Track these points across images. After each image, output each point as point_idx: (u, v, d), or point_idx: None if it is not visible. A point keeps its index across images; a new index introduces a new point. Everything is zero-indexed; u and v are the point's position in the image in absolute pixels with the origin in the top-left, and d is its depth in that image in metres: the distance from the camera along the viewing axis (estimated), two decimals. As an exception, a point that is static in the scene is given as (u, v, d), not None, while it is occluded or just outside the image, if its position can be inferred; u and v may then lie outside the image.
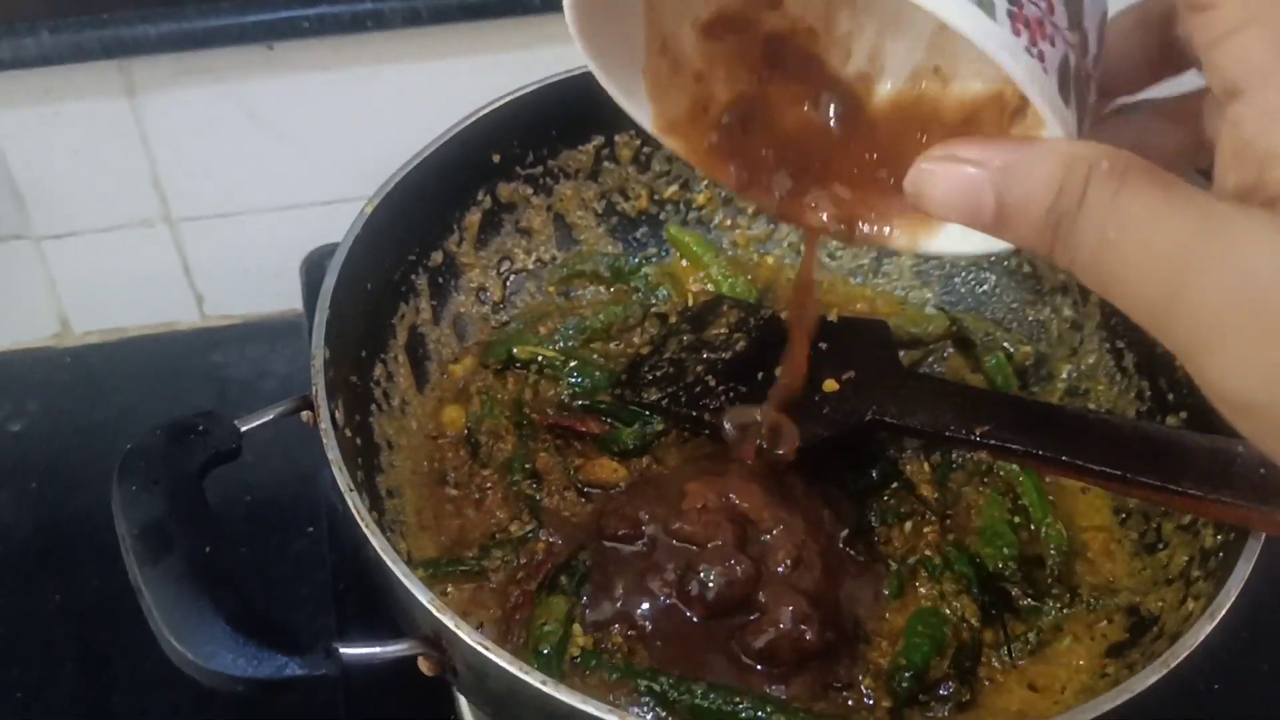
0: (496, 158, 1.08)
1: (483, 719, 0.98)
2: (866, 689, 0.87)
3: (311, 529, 1.25)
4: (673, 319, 1.12)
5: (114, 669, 1.17)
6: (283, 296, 1.43)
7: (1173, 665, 0.71)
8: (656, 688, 0.85)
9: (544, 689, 0.68)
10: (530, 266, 1.15)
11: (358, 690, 0.98)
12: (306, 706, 1.07)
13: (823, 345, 1.03)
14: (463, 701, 0.99)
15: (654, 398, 1.04)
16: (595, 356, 1.09)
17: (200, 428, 0.77)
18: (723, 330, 1.08)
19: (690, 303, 1.14)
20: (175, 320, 1.49)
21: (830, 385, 0.99)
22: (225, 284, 1.48)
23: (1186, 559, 0.90)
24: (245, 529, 1.26)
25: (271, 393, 1.42)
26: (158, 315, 1.48)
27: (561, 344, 1.09)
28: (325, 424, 0.80)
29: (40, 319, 1.46)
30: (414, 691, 0.98)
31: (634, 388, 1.05)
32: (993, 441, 0.89)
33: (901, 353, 1.08)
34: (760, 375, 1.02)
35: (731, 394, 1.01)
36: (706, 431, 1.00)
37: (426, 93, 1.32)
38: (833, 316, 1.08)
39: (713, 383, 1.03)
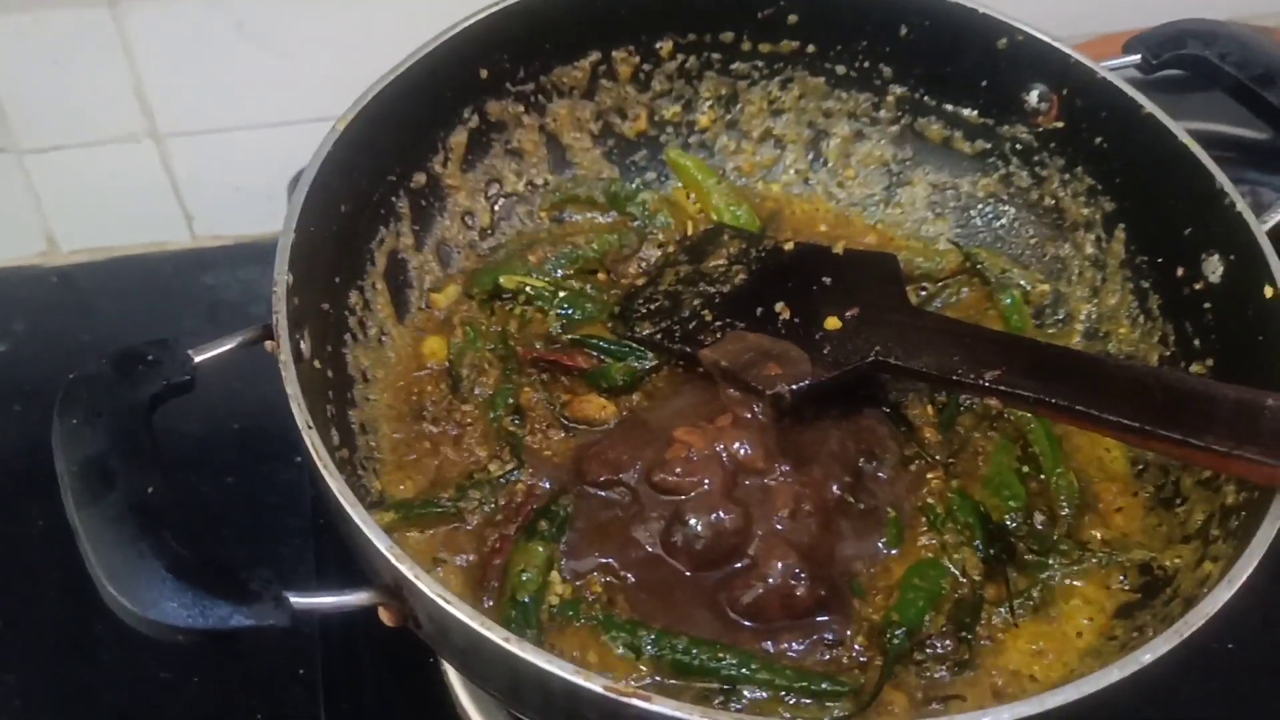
0: (484, 73, 1.02)
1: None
2: (858, 646, 0.82)
3: (299, 459, 1.21)
4: (670, 249, 1.06)
5: (96, 595, 1.14)
6: (274, 217, 1.35)
7: (1186, 635, 0.66)
8: (636, 641, 0.80)
9: (506, 646, 0.63)
10: (520, 190, 1.09)
11: (335, 645, 0.95)
12: (280, 655, 1.05)
13: (826, 280, 0.98)
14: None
15: (647, 332, 0.98)
16: (587, 288, 1.04)
17: (150, 357, 0.72)
18: (722, 262, 1.03)
19: (690, 232, 1.08)
20: (165, 240, 1.45)
21: (832, 323, 0.94)
22: (215, 203, 1.43)
23: (1205, 516, 0.84)
24: (232, 457, 1.23)
25: (263, 316, 1.37)
26: (147, 234, 1.43)
27: (552, 273, 1.04)
28: (285, 355, 0.75)
29: (26, 236, 1.42)
30: (395, 652, 0.96)
31: (627, 321, 1.00)
32: (1003, 387, 0.84)
33: (911, 289, 1.02)
34: (759, 310, 0.97)
35: (729, 329, 0.96)
36: (701, 369, 0.95)
37: (423, 3, 1.26)
38: (838, 249, 1.02)
39: (709, 317, 0.98)
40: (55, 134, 1.35)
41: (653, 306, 1.01)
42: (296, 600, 0.66)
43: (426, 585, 0.66)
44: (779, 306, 0.96)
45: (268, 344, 0.80)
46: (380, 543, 0.67)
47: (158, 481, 0.67)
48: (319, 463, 0.70)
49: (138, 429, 0.69)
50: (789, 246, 1.03)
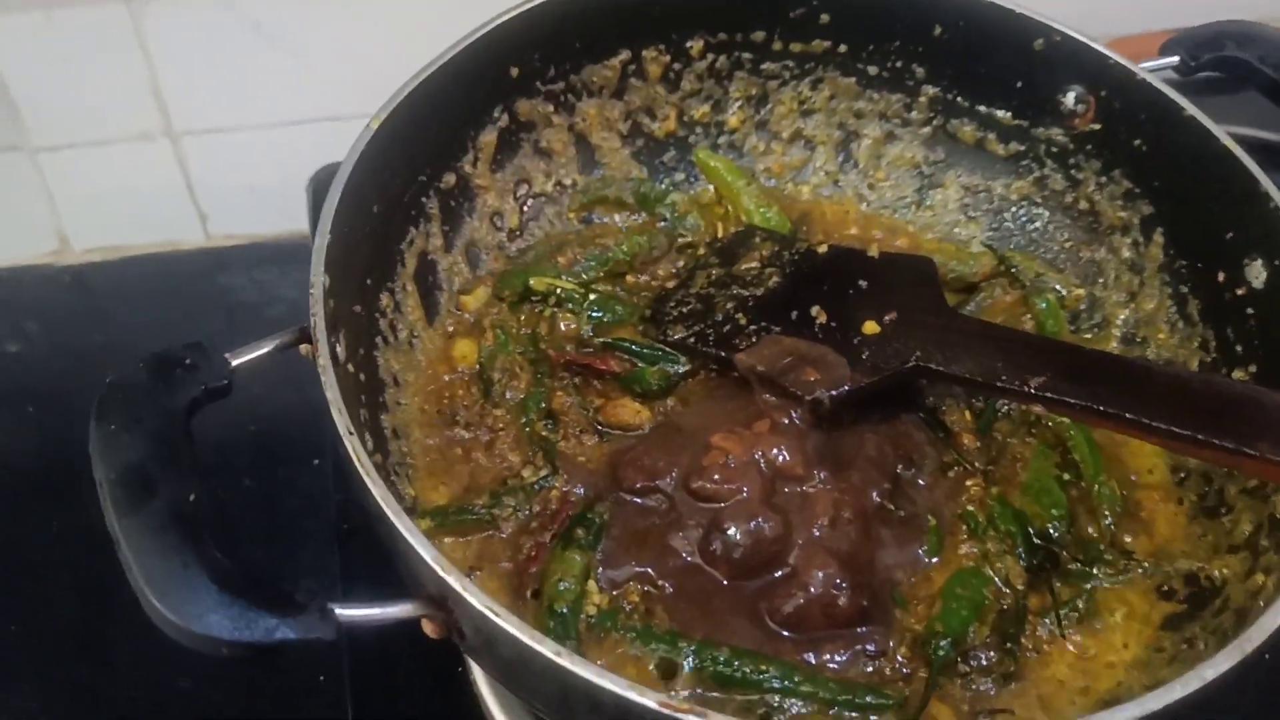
0: (515, 71, 1.00)
1: (497, 684, 0.93)
2: (901, 657, 0.81)
3: (317, 461, 1.20)
4: (701, 250, 1.05)
5: (111, 600, 1.11)
6: (291, 216, 1.36)
7: (1249, 651, 0.65)
8: (676, 652, 0.79)
9: (558, 660, 0.62)
10: (549, 190, 1.08)
11: (363, 652, 0.93)
12: (307, 664, 1.03)
13: (862, 283, 0.96)
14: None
15: (680, 335, 0.97)
16: (618, 290, 1.02)
17: (188, 361, 0.70)
18: (754, 264, 1.01)
19: (720, 233, 1.07)
20: (179, 239, 1.43)
21: (870, 327, 0.92)
22: (230, 202, 1.42)
23: (1253, 526, 0.83)
24: (248, 460, 1.21)
25: (280, 318, 1.34)
26: (161, 234, 1.42)
27: (582, 275, 1.02)
28: (324, 360, 0.73)
29: (38, 235, 1.40)
30: (422, 661, 0.94)
31: (659, 324, 0.99)
32: (1048, 394, 0.82)
33: (945, 294, 1.01)
34: (794, 314, 0.95)
35: (764, 333, 0.95)
36: (736, 373, 0.94)
37: (443, 4, 1.24)
38: (874, 252, 1.01)
39: (743, 321, 0.96)
40: (69, 132, 1.33)
41: (685, 310, 0.99)
42: (342, 612, 0.64)
43: (475, 597, 0.64)
44: (815, 310, 0.95)
45: (303, 347, 0.78)
46: (427, 554, 0.65)
47: (198, 490, 0.65)
48: (361, 470, 0.69)
49: (177, 435, 0.67)
50: (823, 249, 1.02)
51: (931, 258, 1.01)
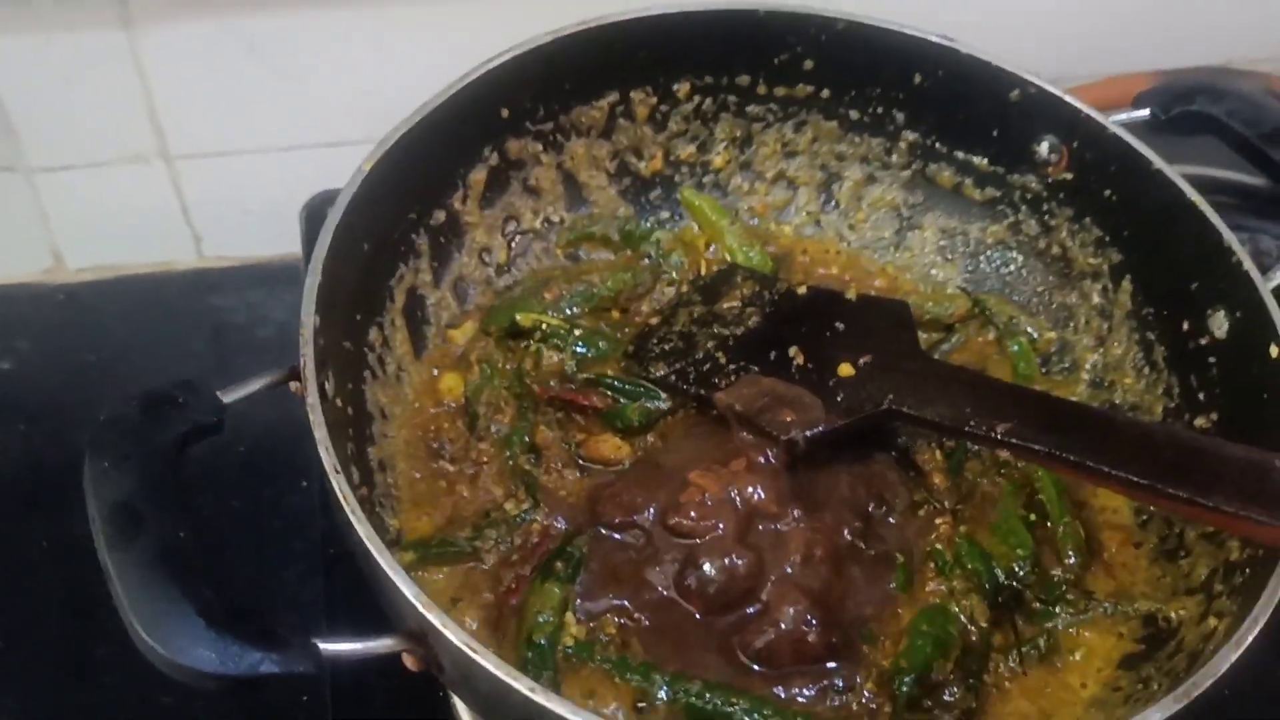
0: (505, 112, 1.03)
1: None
2: (868, 692, 0.83)
3: (306, 483, 1.22)
4: (684, 288, 1.08)
5: (99, 619, 1.12)
6: (283, 239, 1.38)
7: (1194, 696, 0.67)
8: (650, 684, 0.81)
9: (533, 696, 0.64)
10: (537, 227, 1.10)
11: (344, 684, 0.95)
12: (290, 686, 1.05)
13: (839, 325, 0.99)
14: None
15: (662, 372, 0.99)
16: (601, 326, 1.05)
17: (180, 399, 0.73)
18: (735, 303, 1.04)
19: (704, 272, 1.09)
20: (172, 260, 1.45)
21: (845, 369, 0.95)
22: (224, 224, 1.44)
23: (1209, 570, 0.86)
24: (236, 481, 1.23)
25: (269, 340, 1.38)
26: (154, 254, 1.44)
27: (567, 310, 1.05)
28: (313, 399, 0.76)
29: (32, 253, 1.42)
30: (403, 685, 0.96)
31: (641, 360, 1.01)
32: (1015, 440, 0.85)
33: (920, 334, 1.04)
34: (773, 354, 0.98)
35: (743, 372, 0.97)
36: (715, 411, 0.96)
37: (437, 33, 1.27)
38: (851, 294, 1.03)
39: (723, 360, 0.99)
40: (65, 153, 1.35)
41: (666, 347, 1.02)
42: (325, 647, 0.67)
43: (453, 633, 0.67)
44: (792, 351, 0.98)
45: (293, 385, 0.80)
46: (408, 590, 0.68)
47: (187, 525, 0.67)
48: (346, 508, 0.71)
49: (165, 473, 0.69)
50: (802, 290, 1.05)
51: (907, 301, 1.04)
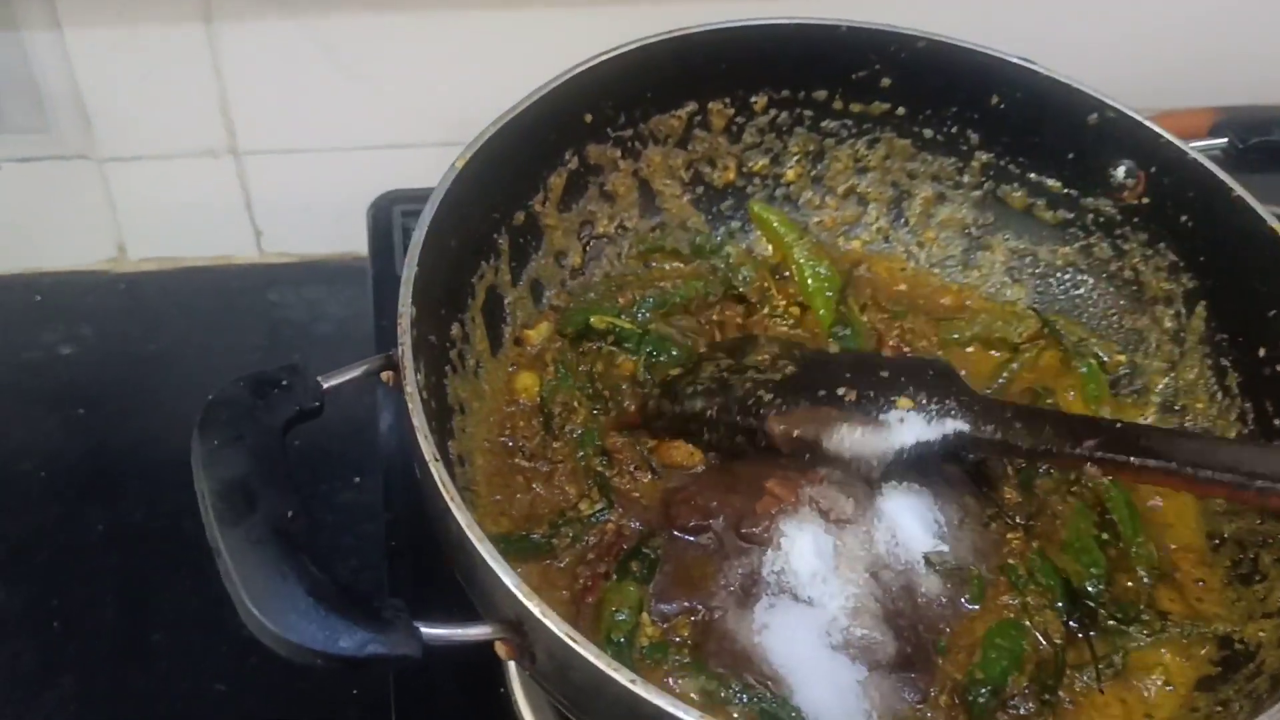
0: (589, 118, 1.04)
1: (537, 703, 0.95)
2: (942, 704, 0.84)
3: (359, 479, 1.23)
4: (702, 348, 1.04)
5: (154, 605, 1.15)
6: (344, 239, 1.40)
7: (1288, 720, 0.68)
8: (724, 689, 0.82)
9: (633, 688, 0.65)
10: (611, 232, 1.11)
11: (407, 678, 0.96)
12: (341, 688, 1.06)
13: (884, 374, 0.95)
14: (514, 679, 0.97)
15: (699, 407, 0.96)
16: (672, 332, 1.05)
17: (284, 382, 0.73)
18: (765, 357, 0.99)
19: (773, 289, 1.09)
20: (232, 254, 1.46)
21: (905, 403, 0.92)
22: (286, 221, 1.46)
23: (1287, 595, 0.86)
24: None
25: (326, 337, 1.39)
26: (215, 247, 1.45)
27: (640, 315, 1.05)
28: (411, 388, 0.76)
29: (97, 242, 1.43)
30: (466, 685, 0.98)
31: (675, 400, 0.97)
32: (1103, 454, 0.85)
33: (989, 353, 1.04)
34: (822, 393, 0.93)
35: (788, 406, 0.93)
36: (762, 443, 0.92)
37: (510, 42, 1.28)
38: (886, 353, 1.04)
39: (766, 397, 0.93)
40: (137, 144, 1.37)
41: (700, 388, 0.97)
42: (426, 631, 0.67)
43: (554, 623, 0.67)
44: (842, 390, 0.93)
45: (384, 374, 0.81)
46: (508, 579, 0.68)
47: (295, 506, 0.68)
48: (445, 496, 0.72)
49: (275, 453, 0.70)
50: (833, 349, 1.04)
51: (948, 361, 1.02)
